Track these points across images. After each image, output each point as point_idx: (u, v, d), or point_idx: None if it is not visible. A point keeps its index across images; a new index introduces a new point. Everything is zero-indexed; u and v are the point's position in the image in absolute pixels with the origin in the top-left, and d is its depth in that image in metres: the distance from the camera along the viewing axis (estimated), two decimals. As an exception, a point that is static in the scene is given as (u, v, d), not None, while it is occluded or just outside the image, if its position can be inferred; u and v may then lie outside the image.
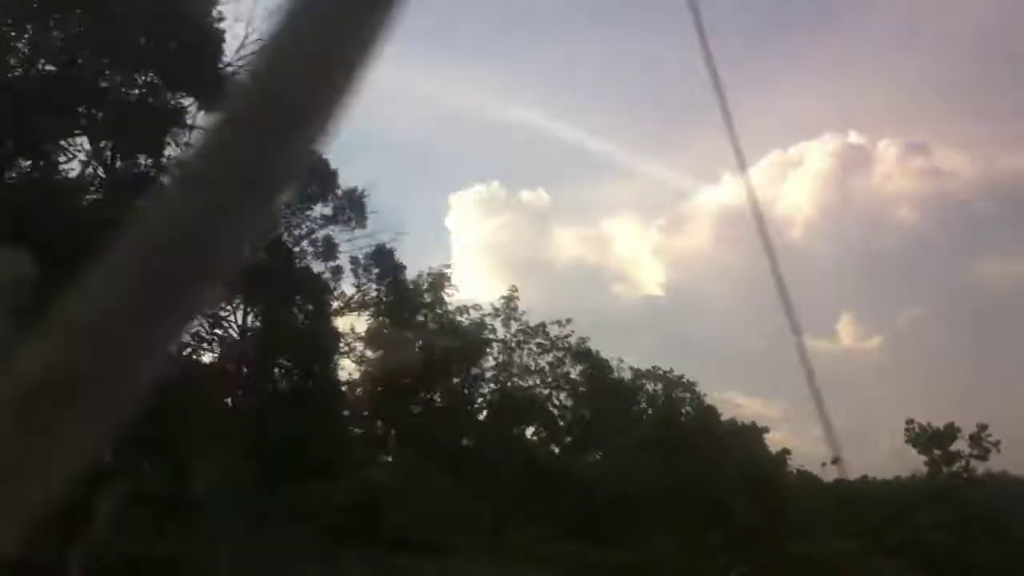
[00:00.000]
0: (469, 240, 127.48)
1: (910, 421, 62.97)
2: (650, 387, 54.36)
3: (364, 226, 38.16)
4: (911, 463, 59.75)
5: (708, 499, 40.89)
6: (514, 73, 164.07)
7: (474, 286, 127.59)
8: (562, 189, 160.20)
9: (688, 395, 55.35)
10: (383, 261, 39.51)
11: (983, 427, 64.12)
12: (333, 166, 36.14)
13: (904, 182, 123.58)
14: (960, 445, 62.68)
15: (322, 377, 34.48)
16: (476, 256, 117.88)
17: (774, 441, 55.81)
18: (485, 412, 45.91)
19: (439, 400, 44.43)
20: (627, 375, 51.64)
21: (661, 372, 53.69)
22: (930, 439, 64.48)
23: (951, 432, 65.05)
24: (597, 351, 47.79)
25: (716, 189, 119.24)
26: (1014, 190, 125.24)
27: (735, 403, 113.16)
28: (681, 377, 54.48)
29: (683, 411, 53.97)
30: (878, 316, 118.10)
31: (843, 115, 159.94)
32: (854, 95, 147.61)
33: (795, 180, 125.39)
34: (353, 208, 37.99)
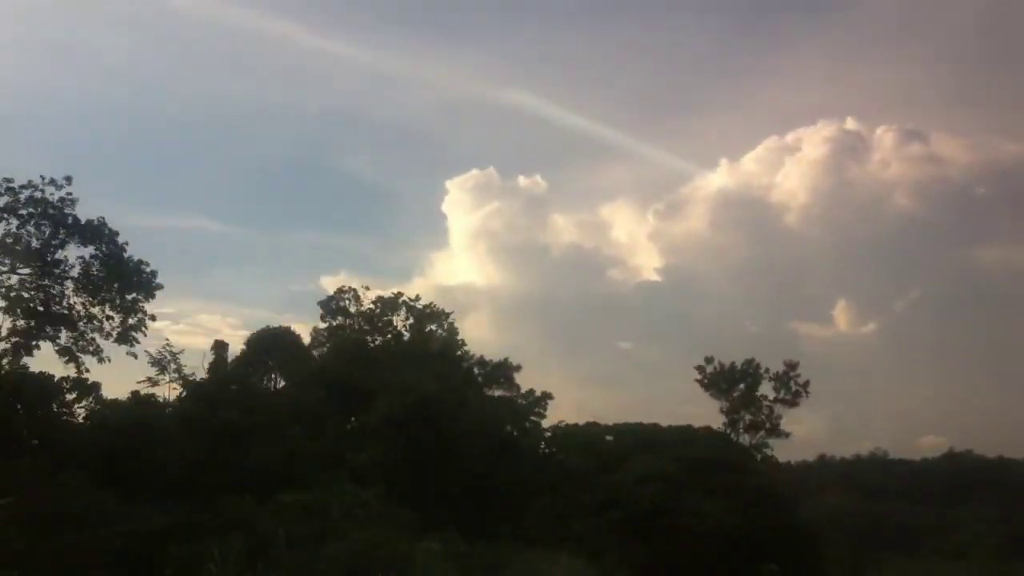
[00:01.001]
0: (465, 225, 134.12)
1: (708, 359, 61.45)
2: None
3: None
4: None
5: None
6: (510, 59, 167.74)
7: (470, 271, 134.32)
8: (559, 175, 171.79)
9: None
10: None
11: (792, 365, 63.45)
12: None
13: (901, 168, 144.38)
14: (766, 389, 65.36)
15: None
16: (472, 241, 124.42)
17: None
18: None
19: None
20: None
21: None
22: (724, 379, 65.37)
23: (750, 370, 65.03)
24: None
25: (713, 174, 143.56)
26: (1011, 177, 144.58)
27: None
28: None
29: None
30: (874, 302, 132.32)
31: (840, 101, 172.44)
32: (852, 82, 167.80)
33: (792, 166, 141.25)
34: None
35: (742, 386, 69.78)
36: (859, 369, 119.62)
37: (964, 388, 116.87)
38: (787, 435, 69.26)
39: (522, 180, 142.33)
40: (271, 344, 59.75)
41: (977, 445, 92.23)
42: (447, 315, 65.53)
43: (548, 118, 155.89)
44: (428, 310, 65.66)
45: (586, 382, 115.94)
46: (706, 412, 68.74)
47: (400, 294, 65.69)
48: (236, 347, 59.56)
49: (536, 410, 63.74)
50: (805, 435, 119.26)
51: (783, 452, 79.06)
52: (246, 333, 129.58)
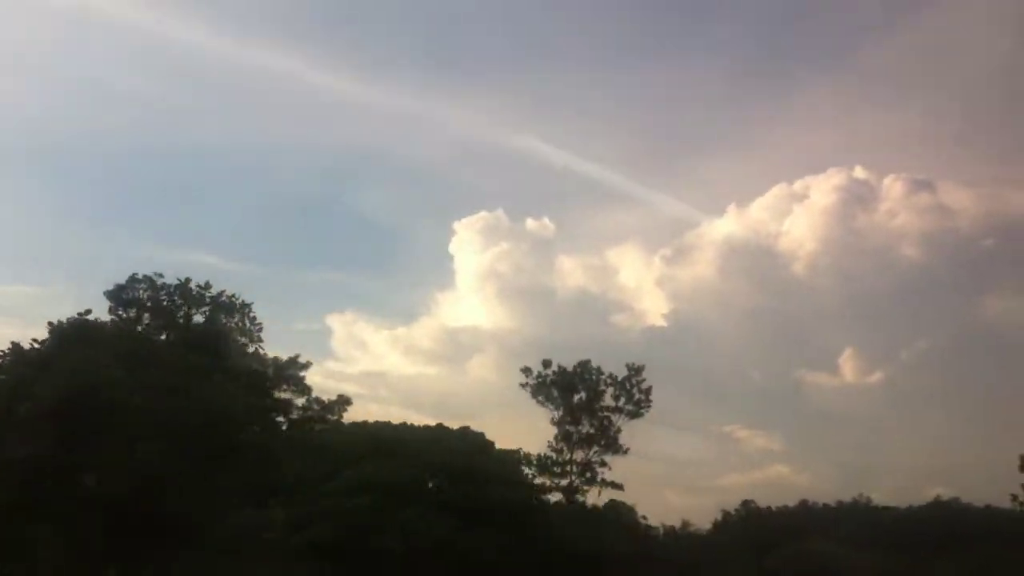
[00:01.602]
0: (472, 267, 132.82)
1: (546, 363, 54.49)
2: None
3: None
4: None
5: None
6: (520, 102, 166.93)
7: (476, 312, 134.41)
8: (567, 217, 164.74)
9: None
10: None
11: (636, 369, 54.67)
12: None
13: (909, 218, 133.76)
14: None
15: None
16: (479, 283, 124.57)
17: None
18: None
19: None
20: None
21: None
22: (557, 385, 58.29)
23: (587, 375, 57.65)
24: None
25: (721, 220, 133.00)
26: (1020, 228, 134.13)
27: (737, 435, 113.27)
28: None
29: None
30: (880, 351, 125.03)
31: (849, 149, 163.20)
32: (860, 129, 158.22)
33: (800, 214, 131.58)
34: None
35: (582, 395, 61.47)
36: (865, 419, 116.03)
37: (971, 438, 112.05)
38: (625, 451, 60.61)
39: (530, 222, 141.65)
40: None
41: (984, 496, 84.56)
42: (247, 306, 59.01)
43: (557, 161, 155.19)
44: (229, 300, 59.25)
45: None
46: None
47: (189, 280, 59.31)
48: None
49: (329, 416, 56.76)
50: (804, 482, 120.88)
51: (768, 497, 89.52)
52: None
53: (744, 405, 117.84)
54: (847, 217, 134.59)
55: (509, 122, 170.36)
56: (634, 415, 61.05)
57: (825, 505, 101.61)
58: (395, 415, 61.84)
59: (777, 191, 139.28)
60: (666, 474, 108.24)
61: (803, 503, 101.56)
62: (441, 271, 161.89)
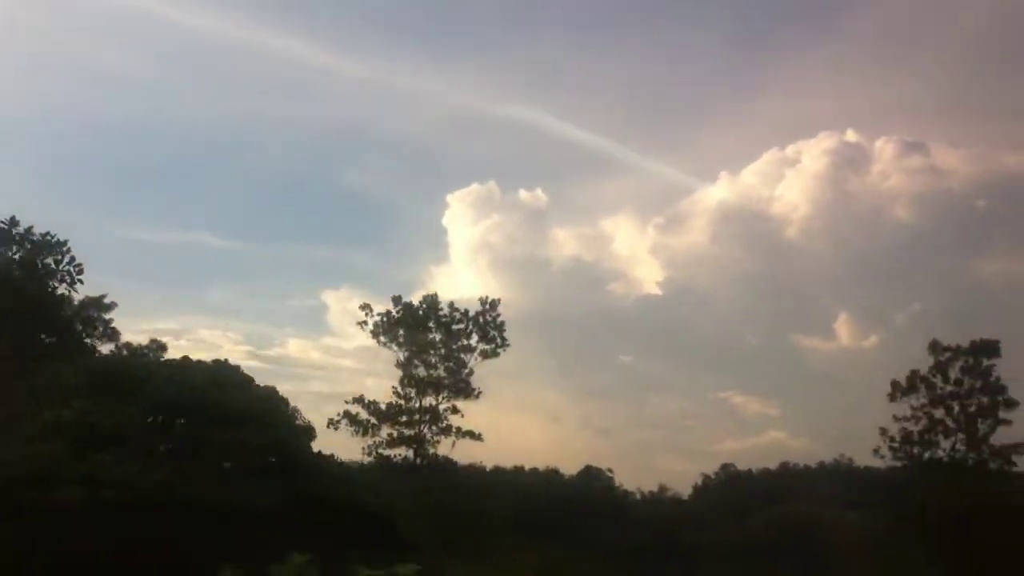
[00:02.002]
0: (466, 239, 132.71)
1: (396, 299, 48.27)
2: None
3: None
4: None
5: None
6: (510, 72, 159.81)
7: (471, 285, 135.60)
8: (560, 188, 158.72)
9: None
10: None
11: (491, 304, 48.15)
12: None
13: (901, 180, 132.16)
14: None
15: None
16: (473, 255, 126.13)
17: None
18: None
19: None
20: None
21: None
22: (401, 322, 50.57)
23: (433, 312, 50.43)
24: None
25: (713, 187, 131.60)
26: (1013, 188, 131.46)
27: (733, 401, 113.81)
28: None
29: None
30: (875, 315, 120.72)
31: (840, 113, 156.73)
32: (851, 93, 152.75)
33: (792, 178, 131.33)
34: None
35: (435, 336, 54.15)
36: (861, 383, 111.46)
37: None
38: (478, 394, 53.00)
39: (523, 194, 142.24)
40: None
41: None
42: (63, 243, 53.95)
43: (548, 131, 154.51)
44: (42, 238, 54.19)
45: (586, 396, 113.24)
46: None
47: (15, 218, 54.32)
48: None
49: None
50: (800, 447, 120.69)
51: (764, 462, 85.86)
52: (248, 348, 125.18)
53: (739, 371, 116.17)
54: (840, 181, 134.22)
55: (500, 93, 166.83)
56: (489, 355, 53.47)
57: (806, 466, 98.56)
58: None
59: (769, 156, 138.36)
60: (663, 439, 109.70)
61: (783, 465, 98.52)
62: (435, 244, 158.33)
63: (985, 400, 47.22)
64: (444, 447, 52.71)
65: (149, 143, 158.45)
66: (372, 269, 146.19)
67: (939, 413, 48.57)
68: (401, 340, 53.83)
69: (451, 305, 54.51)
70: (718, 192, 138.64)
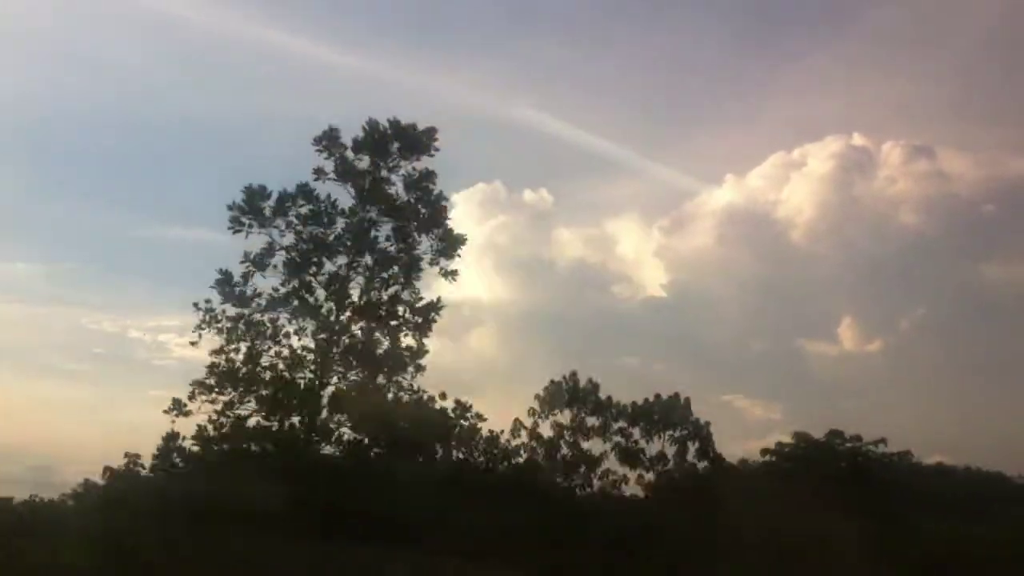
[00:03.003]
0: (470, 239, 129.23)
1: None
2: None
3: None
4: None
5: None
6: (516, 72, 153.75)
7: (475, 285, 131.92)
8: (565, 189, 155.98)
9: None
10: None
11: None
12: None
13: (908, 185, 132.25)
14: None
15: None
16: (477, 256, 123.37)
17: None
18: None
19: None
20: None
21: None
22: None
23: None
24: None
25: (719, 190, 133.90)
26: (1019, 193, 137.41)
27: (736, 405, 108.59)
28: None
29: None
30: (879, 319, 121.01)
31: (847, 117, 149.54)
32: (858, 96, 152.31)
33: (798, 182, 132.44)
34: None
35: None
36: (865, 387, 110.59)
37: (970, 406, 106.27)
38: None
39: (528, 194, 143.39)
40: None
41: (984, 463, 73.49)
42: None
43: (554, 132, 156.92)
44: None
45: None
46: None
47: None
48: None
49: None
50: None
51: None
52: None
53: (744, 374, 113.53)
54: (846, 184, 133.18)
55: (505, 93, 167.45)
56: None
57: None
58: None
59: (775, 159, 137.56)
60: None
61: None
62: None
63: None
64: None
65: (149, 138, 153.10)
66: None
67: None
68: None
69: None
70: (724, 195, 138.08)
